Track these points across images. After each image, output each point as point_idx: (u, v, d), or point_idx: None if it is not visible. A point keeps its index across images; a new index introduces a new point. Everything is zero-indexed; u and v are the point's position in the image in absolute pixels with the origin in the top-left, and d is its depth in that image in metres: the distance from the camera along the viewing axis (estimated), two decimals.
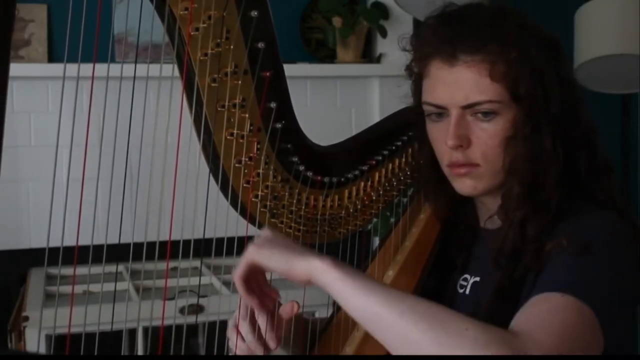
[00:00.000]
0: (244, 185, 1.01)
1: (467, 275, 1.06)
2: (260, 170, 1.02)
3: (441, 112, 0.99)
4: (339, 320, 1.11)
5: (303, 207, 1.07)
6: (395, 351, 0.82)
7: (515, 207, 0.97)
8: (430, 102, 1.00)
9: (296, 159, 1.04)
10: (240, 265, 0.93)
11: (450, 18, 0.99)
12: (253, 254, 0.92)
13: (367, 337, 1.05)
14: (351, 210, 1.12)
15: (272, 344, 1.03)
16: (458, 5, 1.01)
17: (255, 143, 1.00)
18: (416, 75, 1.04)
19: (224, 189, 1.01)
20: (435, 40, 0.98)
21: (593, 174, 0.99)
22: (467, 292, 1.05)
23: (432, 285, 1.10)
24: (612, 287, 0.88)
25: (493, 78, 0.94)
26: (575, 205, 0.96)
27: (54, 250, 0.95)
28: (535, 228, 0.94)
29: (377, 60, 2.87)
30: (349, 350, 1.06)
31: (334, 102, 2.84)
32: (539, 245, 0.93)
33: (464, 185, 1.01)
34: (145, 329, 2.02)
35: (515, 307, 0.88)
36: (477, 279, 1.04)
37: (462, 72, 0.95)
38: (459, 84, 0.96)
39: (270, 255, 0.91)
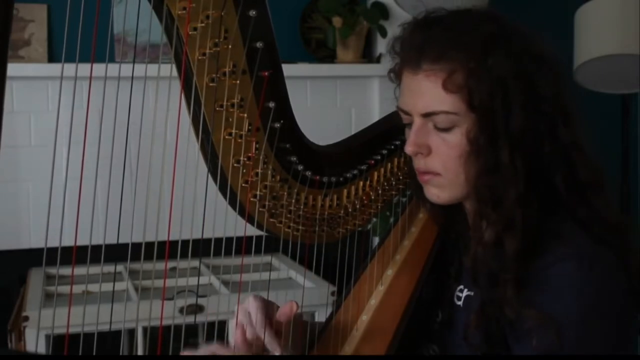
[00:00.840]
0: (243, 185, 1.01)
1: (462, 286, 1.06)
2: (259, 170, 1.01)
3: (409, 119, 1.00)
4: (338, 320, 1.11)
5: (302, 207, 1.07)
6: None
7: (479, 225, 0.96)
8: (399, 107, 1.01)
9: (295, 159, 1.04)
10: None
11: (424, 24, 0.99)
12: None
13: (367, 337, 1.06)
14: (350, 210, 1.12)
15: (276, 351, 1.03)
16: (441, 11, 1.00)
17: (254, 143, 1.00)
18: (397, 80, 1.05)
19: (222, 188, 1.01)
20: (406, 47, 0.99)
21: (573, 193, 0.96)
22: (462, 304, 1.05)
23: (430, 290, 1.10)
24: None
25: (446, 88, 0.93)
26: (556, 227, 0.94)
27: (53, 250, 0.95)
28: (510, 250, 0.92)
29: (377, 60, 2.87)
30: (348, 349, 1.06)
31: (334, 102, 2.84)
32: (517, 278, 0.91)
33: (428, 193, 1.02)
34: (145, 329, 2.02)
35: (501, 327, 0.91)
36: (471, 293, 1.04)
37: (422, 81, 0.95)
38: (419, 92, 0.96)
39: None
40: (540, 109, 0.94)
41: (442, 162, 0.97)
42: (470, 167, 0.95)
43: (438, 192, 1.01)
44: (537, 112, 0.94)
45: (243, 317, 1.04)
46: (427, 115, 0.97)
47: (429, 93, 0.95)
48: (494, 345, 0.93)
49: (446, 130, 0.96)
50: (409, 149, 0.99)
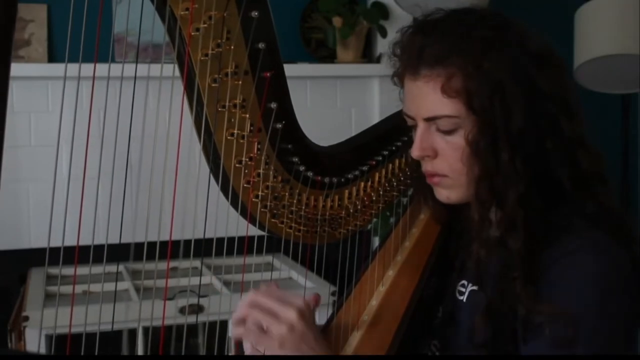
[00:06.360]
0: (245, 185, 1.01)
1: (464, 282, 1.06)
2: (261, 171, 1.02)
3: (414, 122, 1.01)
4: (339, 321, 1.11)
5: (303, 208, 1.07)
6: None
7: (481, 227, 0.97)
8: (404, 111, 1.02)
9: (296, 160, 1.05)
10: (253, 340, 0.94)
11: (421, 29, 0.98)
12: (272, 348, 0.92)
13: (367, 337, 1.06)
14: (351, 211, 1.12)
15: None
16: (439, 12, 0.99)
17: (256, 143, 1.00)
18: (400, 84, 1.05)
19: (224, 189, 1.01)
20: (405, 53, 0.99)
21: (580, 187, 0.96)
22: (465, 299, 1.05)
23: (433, 287, 1.10)
24: None
25: (445, 93, 0.94)
26: (565, 221, 0.94)
27: (54, 250, 0.95)
28: (513, 249, 0.92)
29: (377, 60, 2.87)
30: (348, 350, 1.06)
31: (334, 102, 2.85)
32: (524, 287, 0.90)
33: (438, 194, 1.03)
34: (146, 329, 2.02)
35: (509, 323, 0.90)
36: (475, 287, 1.03)
37: (422, 86, 0.96)
38: (420, 97, 0.97)
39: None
40: (542, 108, 0.94)
41: (448, 164, 0.98)
42: (473, 169, 0.96)
43: (448, 193, 1.01)
44: (538, 111, 0.94)
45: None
46: (430, 120, 0.97)
47: (429, 98, 0.96)
48: (502, 343, 0.93)
49: (450, 132, 0.96)
50: (415, 153, 0.99)
